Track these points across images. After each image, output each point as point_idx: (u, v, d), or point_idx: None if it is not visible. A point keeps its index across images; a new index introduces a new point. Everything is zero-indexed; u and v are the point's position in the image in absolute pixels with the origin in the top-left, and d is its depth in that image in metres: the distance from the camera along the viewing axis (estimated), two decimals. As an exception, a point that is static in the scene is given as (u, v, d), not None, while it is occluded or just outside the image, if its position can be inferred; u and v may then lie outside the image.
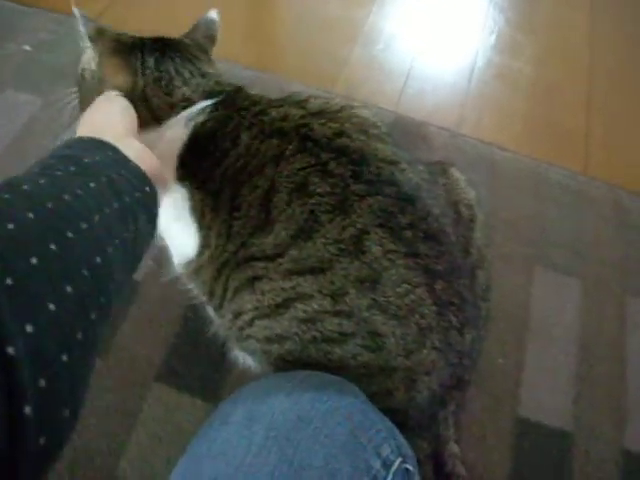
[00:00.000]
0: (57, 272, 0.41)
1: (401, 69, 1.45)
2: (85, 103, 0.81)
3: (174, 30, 0.87)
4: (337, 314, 0.68)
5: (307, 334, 0.69)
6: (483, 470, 0.90)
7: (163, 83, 0.79)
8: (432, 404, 0.73)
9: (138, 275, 1.05)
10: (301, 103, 0.79)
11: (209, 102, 0.79)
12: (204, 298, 0.84)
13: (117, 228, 0.52)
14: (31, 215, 0.42)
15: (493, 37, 1.54)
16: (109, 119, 0.67)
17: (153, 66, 0.79)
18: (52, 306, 0.38)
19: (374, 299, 0.67)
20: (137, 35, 0.83)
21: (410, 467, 0.57)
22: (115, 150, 0.58)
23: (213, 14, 0.89)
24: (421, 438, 0.75)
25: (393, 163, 0.72)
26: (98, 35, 0.79)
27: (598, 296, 1.11)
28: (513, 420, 0.95)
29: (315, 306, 0.68)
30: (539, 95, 1.44)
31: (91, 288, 0.44)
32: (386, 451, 0.55)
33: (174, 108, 0.79)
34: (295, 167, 0.71)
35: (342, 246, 0.68)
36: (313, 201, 0.69)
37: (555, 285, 1.12)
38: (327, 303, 0.68)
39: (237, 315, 0.77)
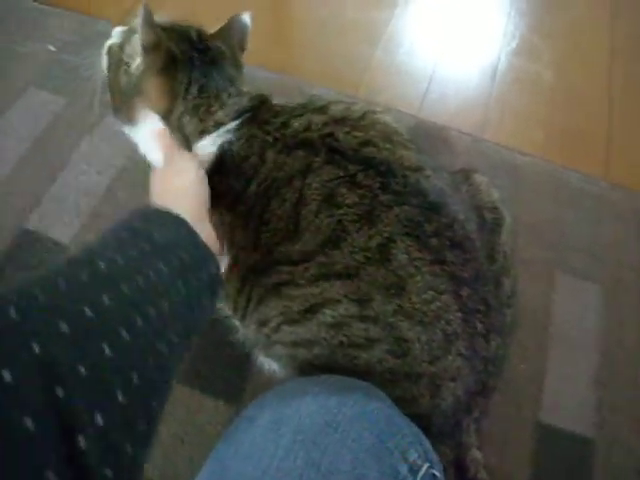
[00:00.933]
0: (126, 361, 0.41)
1: (424, 73, 1.45)
2: (116, 99, 0.81)
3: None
4: (364, 319, 0.68)
5: (334, 339, 0.70)
6: (503, 475, 0.90)
7: (201, 110, 0.77)
8: (457, 411, 0.73)
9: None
10: (322, 109, 0.78)
11: (236, 122, 0.78)
12: (229, 312, 0.85)
13: (182, 313, 0.53)
14: (106, 299, 0.42)
15: (515, 42, 1.53)
16: (183, 195, 0.68)
17: (196, 92, 0.77)
18: (120, 396, 0.38)
19: (400, 305, 0.68)
20: (189, 35, 0.79)
21: (437, 473, 0.56)
22: (189, 229, 0.59)
23: (247, 18, 0.84)
24: (444, 445, 0.74)
25: (418, 170, 0.73)
26: (153, 48, 0.75)
27: (618, 301, 1.10)
28: (534, 425, 0.95)
29: (342, 311, 0.69)
30: (560, 100, 1.43)
31: (154, 376, 0.44)
32: (413, 456, 0.55)
33: (204, 133, 0.78)
34: (323, 179, 0.71)
35: (368, 254, 0.68)
36: (341, 212, 0.69)
37: (575, 290, 1.11)
38: (354, 308, 0.68)
39: (262, 324, 0.77)
